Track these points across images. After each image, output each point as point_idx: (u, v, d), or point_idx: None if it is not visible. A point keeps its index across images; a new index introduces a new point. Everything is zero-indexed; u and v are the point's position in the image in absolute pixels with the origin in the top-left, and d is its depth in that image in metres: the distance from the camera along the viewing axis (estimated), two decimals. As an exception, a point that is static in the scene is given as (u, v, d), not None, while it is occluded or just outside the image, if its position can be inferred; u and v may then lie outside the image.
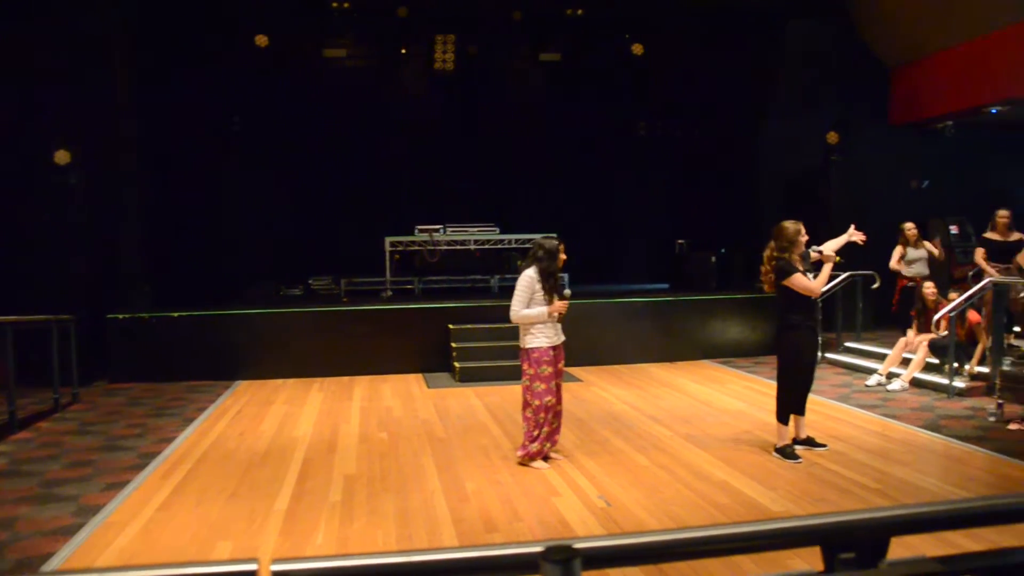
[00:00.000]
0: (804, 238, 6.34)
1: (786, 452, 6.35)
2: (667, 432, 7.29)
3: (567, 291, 6.37)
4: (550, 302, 6.13)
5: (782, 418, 6.44)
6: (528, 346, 6.18)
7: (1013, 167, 13.43)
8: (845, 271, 10.73)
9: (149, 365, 10.14)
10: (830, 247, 6.60)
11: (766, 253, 6.38)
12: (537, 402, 6.14)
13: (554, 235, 6.45)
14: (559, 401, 6.35)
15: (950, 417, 7.66)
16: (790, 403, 6.41)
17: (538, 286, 6.12)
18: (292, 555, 4.40)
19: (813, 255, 6.54)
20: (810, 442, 6.56)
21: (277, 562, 1.24)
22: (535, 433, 6.19)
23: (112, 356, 10.15)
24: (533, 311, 6.09)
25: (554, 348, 6.22)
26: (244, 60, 13.46)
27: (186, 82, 12.71)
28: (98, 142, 10.53)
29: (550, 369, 6.16)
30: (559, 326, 6.30)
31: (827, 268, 6.32)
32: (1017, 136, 13.46)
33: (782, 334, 6.43)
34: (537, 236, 6.55)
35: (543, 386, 6.14)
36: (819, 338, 7.01)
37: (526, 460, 6.25)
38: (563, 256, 6.32)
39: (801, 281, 6.18)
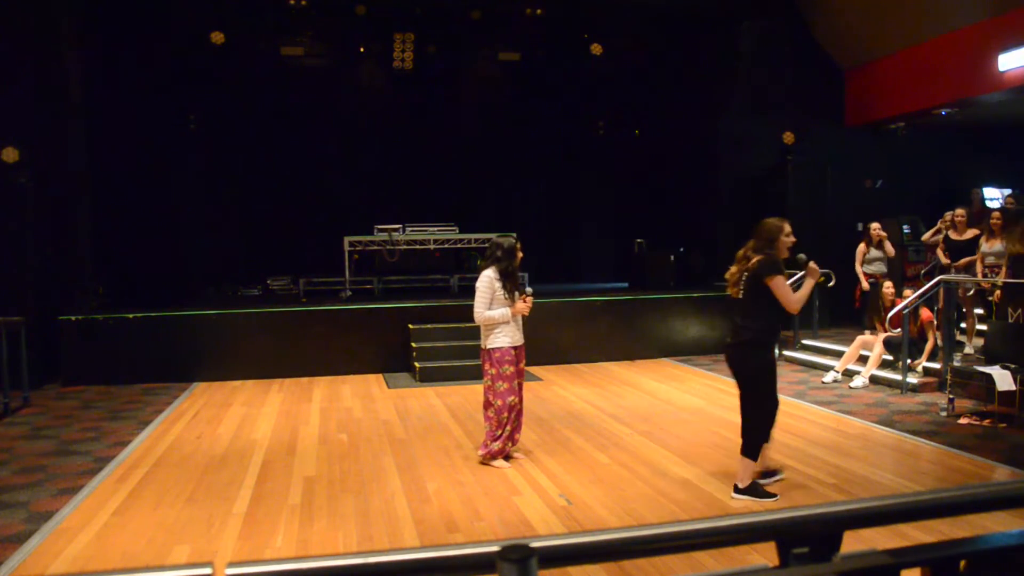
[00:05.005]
0: (789, 239, 5.33)
1: (757, 491, 5.37)
2: (627, 430, 7.34)
3: (528, 289, 6.37)
4: (511, 301, 6.14)
5: (753, 452, 5.33)
6: (490, 346, 6.18)
7: (964, 167, 13.73)
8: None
9: (103, 367, 9.95)
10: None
11: (740, 252, 5.42)
12: (500, 402, 6.14)
13: (512, 234, 6.41)
14: (520, 401, 6.36)
15: (903, 412, 7.80)
16: (764, 434, 5.38)
17: (498, 285, 6.12)
18: (251, 558, 4.35)
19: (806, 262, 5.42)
20: (768, 474, 5.67)
21: (232, 565, 1.22)
22: (497, 432, 6.19)
23: (65, 358, 9.94)
24: (496, 312, 6.09)
25: (516, 348, 6.23)
26: (199, 57, 13.29)
27: (140, 79, 12.49)
28: (49, 140, 10.31)
29: (512, 368, 6.17)
30: (520, 326, 6.31)
31: (809, 284, 5.31)
32: (968, 136, 13.77)
33: (751, 352, 5.31)
34: (495, 235, 6.52)
35: (505, 385, 6.14)
36: None
37: (487, 459, 6.25)
38: (520, 254, 6.32)
39: (786, 286, 5.18)
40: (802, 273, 5.44)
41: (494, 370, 6.17)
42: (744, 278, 5.30)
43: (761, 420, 5.36)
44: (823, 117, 13.29)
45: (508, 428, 6.20)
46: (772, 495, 5.39)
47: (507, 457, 6.32)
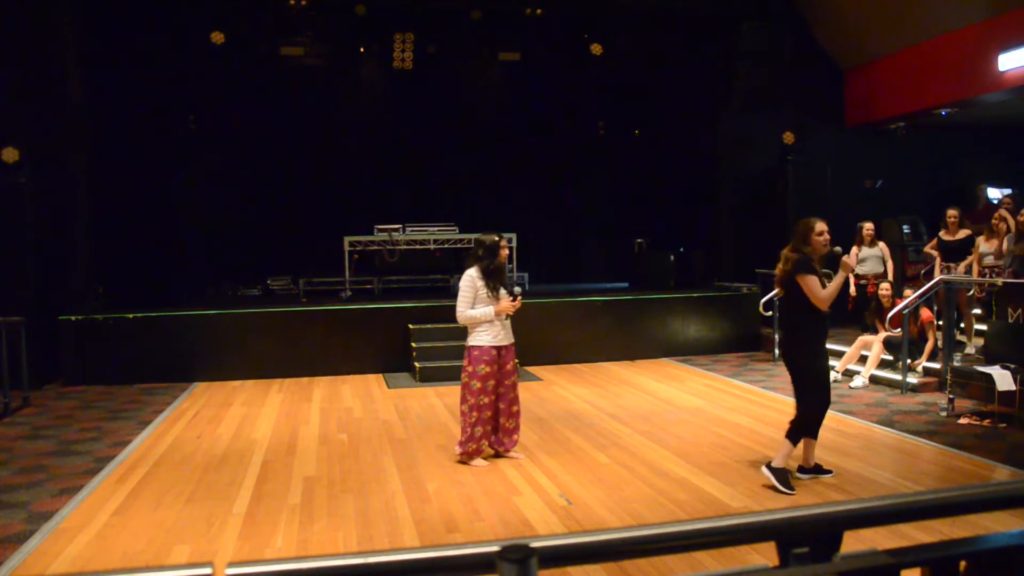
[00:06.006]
0: (821, 238, 5.56)
1: (783, 477, 5.54)
2: (627, 430, 7.33)
3: (517, 289, 6.34)
4: (496, 300, 6.12)
5: (795, 437, 5.59)
6: (470, 343, 6.18)
7: (964, 167, 13.73)
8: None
9: (103, 367, 9.95)
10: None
11: (784, 251, 5.69)
12: (472, 400, 6.13)
13: (499, 233, 6.36)
14: (514, 402, 6.34)
15: (903, 412, 7.80)
16: (811, 424, 5.64)
17: (480, 284, 6.11)
18: (251, 558, 4.35)
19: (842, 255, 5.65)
20: (818, 470, 5.81)
21: (232, 565, 1.22)
22: (468, 432, 6.19)
23: (65, 358, 9.94)
24: (479, 311, 6.07)
25: (499, 348, 6.20)
26: (200, 58, 13.28)
27: (140, 79, 12.50)
28: (49, 140, 10.31)
29: (487, 369, 6.13)
30: (508, 326, 6.27)
31: (839, 278, 5.45)
32: (968, 136, 13.78)
33: (793, 347, 5.74)
34: (494, 234, 6.50)
35: (478, 385, 6.13)
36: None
37: (465, 459, 6.25)
38: (505, 251, 6.28)
39: (814, 284, 5.44)
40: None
41: (471, 367, 6.16)
42: (784, 277, 5.63)
43: (809, 411, 5.62)
44: (823, 117, 13.29)
45: (479, 429, 6.17)
46: (792, 489, 5.51)
47: (497, 455, 6.32)
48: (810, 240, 5.55)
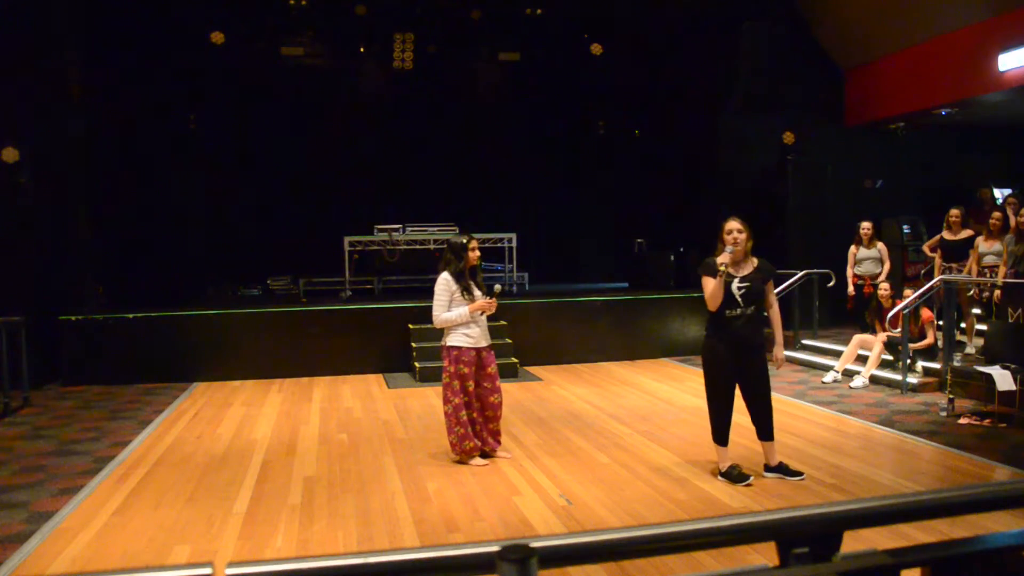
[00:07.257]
0: (730, 236, 5.55)
1: (731, 475, 5.69)
2: (627, 430, 7.33)
3: (497, 287, 6.34)
4: (470, 301, 6.12)
5: (715, 438, 5.78)
6: (448, 343, 6.17)
7: (964, 167, 13.71)
8: (802, 270, 10.95)
9: (104, 367, 9.95)
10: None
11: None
12: (456, 400, 6.14)
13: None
14: (499, 406, 6.35)
15: (903, 412, 7.80)
16: (715, 422, 5.77)
17: (455, 287, 6.11)
18: (251, 558, 4.35)
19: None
20: (782, 469, 5.77)
21: (232, 565, 1.22)
22: (456, 431, 6.19)
23: (65, 358, 9.95)
24: (453, 313, 6.08)
25: (478, 350, 6.20)
26: (200, 57, 13.29)
27: (140, 79, 12.50)
28: (49, 140, 10.31)
29: (467, 370, 6.14)
30: (485, 328, 6.27)
31: (716, 281, 5.53)
32: (968, 136, 13.76)
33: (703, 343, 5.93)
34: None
35: (459, 384, 6.14)
36: (750, 358, 5.77)
37: (464, 458, 6.25)
38: (475, 252, 6.27)
39: (704, 285, 5.64)
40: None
41: (452, 368, 6.16)
42: None
43: (710, 409, 5.84)
44: (823, 117, 13.28)
45: (466, 428, 6.17)
46: (746, 477, 5.65)
47: (484, 455, 6.32)
48: (722, 239, 5.60)
